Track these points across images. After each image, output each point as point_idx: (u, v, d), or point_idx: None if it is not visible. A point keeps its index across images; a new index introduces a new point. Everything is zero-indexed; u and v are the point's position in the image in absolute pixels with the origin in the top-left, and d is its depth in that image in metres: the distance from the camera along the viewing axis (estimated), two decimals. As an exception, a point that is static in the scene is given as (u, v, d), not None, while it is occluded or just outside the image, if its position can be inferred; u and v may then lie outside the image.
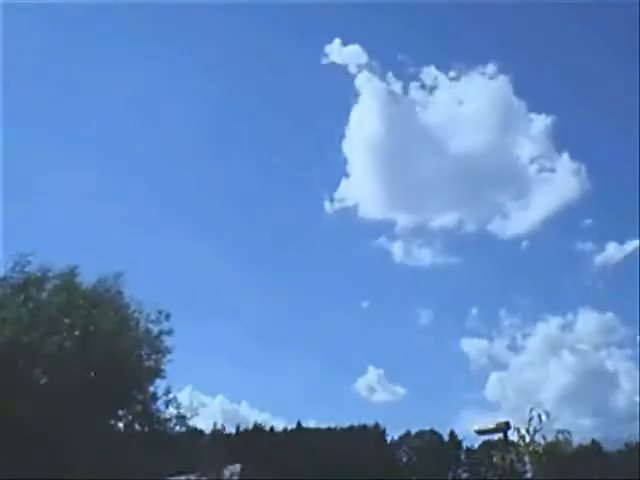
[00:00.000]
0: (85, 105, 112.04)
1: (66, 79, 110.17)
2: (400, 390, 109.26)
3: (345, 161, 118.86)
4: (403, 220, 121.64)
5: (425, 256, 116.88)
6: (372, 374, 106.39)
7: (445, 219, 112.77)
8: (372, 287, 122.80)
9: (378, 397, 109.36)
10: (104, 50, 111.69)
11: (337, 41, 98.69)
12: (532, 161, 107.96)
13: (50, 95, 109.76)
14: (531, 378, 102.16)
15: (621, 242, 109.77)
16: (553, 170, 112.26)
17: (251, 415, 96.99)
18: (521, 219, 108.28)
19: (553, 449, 11.99)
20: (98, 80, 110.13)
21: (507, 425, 12.60)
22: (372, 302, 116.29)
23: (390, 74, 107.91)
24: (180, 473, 41.29)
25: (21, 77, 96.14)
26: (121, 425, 26.83)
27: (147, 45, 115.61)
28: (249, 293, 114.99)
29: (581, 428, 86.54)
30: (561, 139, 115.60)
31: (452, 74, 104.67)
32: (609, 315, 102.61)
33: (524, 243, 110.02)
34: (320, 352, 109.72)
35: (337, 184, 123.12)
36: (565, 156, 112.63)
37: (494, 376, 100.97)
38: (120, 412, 26.45)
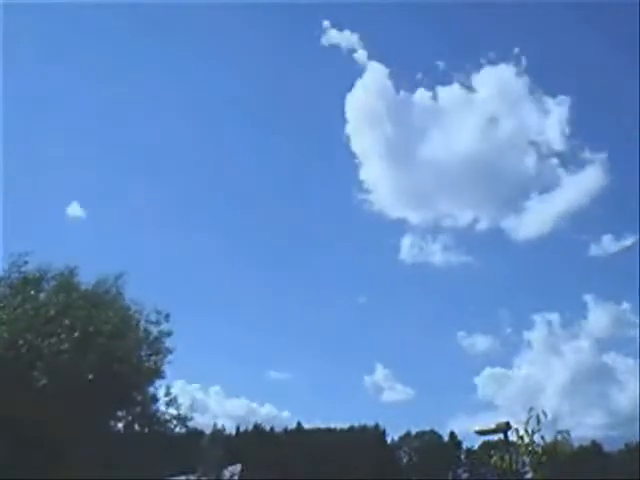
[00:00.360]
0: (85, 104, 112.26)
1: (67, 78, 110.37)
2: (406, 389, 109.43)
3: (354, 156, 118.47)
4: (415, 218, 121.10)
5: (435, 254, 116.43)
6: (380, 372, 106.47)
7: (457, 216, 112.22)
8: (378, 284, 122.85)
9: (385, 396, 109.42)
10: (104, 49, 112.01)
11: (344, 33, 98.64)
12: (548, 157, 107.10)
13: (51, 95, 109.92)
14: (534, 377, 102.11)
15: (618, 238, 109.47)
16: (570, 166, 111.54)
17: (257, 410, 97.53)
18: (534, 216, 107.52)
19: (553, 449, 11.97)
20: (99, 78, 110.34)
21: (507, 425, 12.57)
22: (378, 299, 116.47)
23: (398, 68, 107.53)
24: (180, 474, 41.29)
25: (22, 76, 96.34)
26: (121, 426, 26.80)
27: (147, 39, 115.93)
28: (255, 290, 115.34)
29: (583, 428, 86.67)
30: (578, 134, 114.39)
31: (463, 69, 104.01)
32: (614, 314, 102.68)
33: (537, 241, 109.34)
34: (326, 349, 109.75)
35: (344, 180, 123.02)
36: (582, 151, 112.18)
37: (497, 375, 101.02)
38: (120, 413, 26.41)
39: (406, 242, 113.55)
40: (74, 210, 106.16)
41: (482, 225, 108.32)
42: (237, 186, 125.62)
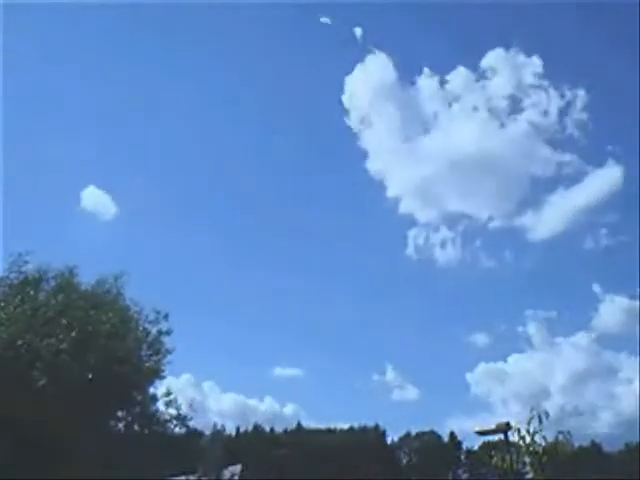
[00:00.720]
0: (85, 103, 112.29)
1: (67, 78, 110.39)
2: (414, 388, 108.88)
3: (363, 153, 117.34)
4: (424, 215, 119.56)
5: (444, 252, 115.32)
6: (389, 372, 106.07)
7: (470, 213, 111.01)
8: (384, 283, 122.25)
9: (395, 395, 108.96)
10: (104, 49, 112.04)
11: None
12: (566, 151, 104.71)
13: (51, 95, 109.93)
14: (537, 377, 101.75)
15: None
16: (585, 163, 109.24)
17: (260, 408, 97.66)
18: (547, 215, 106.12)
19: (553, 450, 11.97)
20: (99, 78, 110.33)
21: (508, 426, 12.57)
22: (384, 297, 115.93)
23: (401, 56, 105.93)
24: (180, 473, 41.30)
25: (22, 76, 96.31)
26: (121, 426, 26.77)
27: (147, 39, 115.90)
28: (261, 288, 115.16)
29: (583, 427, 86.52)
30: (595, 130, 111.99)
31: (469, 56, 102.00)
32: (623, 311, 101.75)
33: (550, 239, 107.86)
34: (334, 347, 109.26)
35: (349, 176, 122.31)
36: (599, 149, 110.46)
37: (498, 374, 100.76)
38: (120, 413, 26.40)
39: (414, 240, 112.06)
40: (74, 210, 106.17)
41: (496, 223, 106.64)
42: (237, 185, 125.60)
